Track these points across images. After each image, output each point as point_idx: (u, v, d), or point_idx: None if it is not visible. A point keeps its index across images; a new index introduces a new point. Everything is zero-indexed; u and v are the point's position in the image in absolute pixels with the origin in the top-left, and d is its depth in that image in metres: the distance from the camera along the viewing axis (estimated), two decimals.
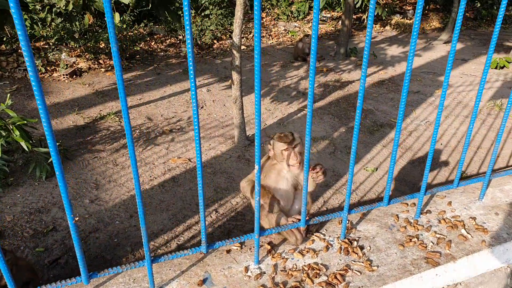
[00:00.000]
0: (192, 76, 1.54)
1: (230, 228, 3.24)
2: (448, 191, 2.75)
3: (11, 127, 3.42)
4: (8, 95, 3.84)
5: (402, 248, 2.24)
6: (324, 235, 2.35)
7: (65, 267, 2.83)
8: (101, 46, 7.24)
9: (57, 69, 6.53)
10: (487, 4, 11.09)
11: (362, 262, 2.13)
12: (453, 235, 2.34)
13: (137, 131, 4.80)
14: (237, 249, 2.24)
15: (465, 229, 2.37)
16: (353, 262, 2.14)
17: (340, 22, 9.39)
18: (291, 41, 9.11)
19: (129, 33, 7.69)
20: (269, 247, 2.24)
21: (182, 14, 7.29)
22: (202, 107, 5.51)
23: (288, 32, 9.66)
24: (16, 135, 3.42)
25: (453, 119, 5.31)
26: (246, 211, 3.44)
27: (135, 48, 7.63)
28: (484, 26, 10.82)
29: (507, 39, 9.39)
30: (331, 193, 3.73)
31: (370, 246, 2.26)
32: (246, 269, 2.09)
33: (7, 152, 3.96)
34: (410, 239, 2.29)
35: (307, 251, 2.21)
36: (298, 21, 10.42)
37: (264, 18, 10.53)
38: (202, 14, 9.20)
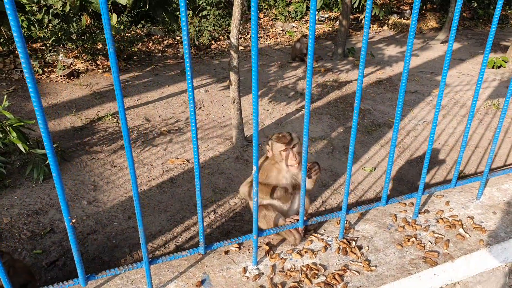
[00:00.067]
0: (189, 77, 1.54)
1: (229, 229, 3.24)
2: (446, 190, 2.75)
3: (8, 129, 3.42)
4: (5, 96, 3.84)
5: (400, 248, 2.24)
6: (322, 235, 2.35)
7: (63, 269, 2.82)
8: (98, 47, 7.23)
9: (55, 70, 6.51)
10: (484, 4, 11.14)
11: (361, 262, 2.13)
12: (451, 234, 2.34)
13: (135, 132, 4.79)
14: (235, 250, 2.24)
15: (463, 228, 2.38)
16: (351, 262, 2.14)
17: (337, 22, 9.40)
18: (288, 42, 9.11)
19: (127, 34, 7.68)
20: (267, 247, 2.24)
21: (179, 15, 7.27)
22: (200, 108, 5.50)
23: (285, 33, 9.66)
24: (13, 137, 3.41)
25: (450, 119, 5.32)
26: (245, 211, 3.44)
27: (133, 49, 7.62)
28: (481, 26, 10.86)
29: (503, 39, 9.42)
30: (329, 193, 3.73)
31: (368, 246, 2.26)
32: (245, 270, 2.09)
33: (4, 154, 3.95)
34: (408, 239, 2.29)
35: (306, 252, 2.21)
36: (295, 21, 10.42)
37: (261, 18, 10.53)
38: (200, 14, 9.20)
